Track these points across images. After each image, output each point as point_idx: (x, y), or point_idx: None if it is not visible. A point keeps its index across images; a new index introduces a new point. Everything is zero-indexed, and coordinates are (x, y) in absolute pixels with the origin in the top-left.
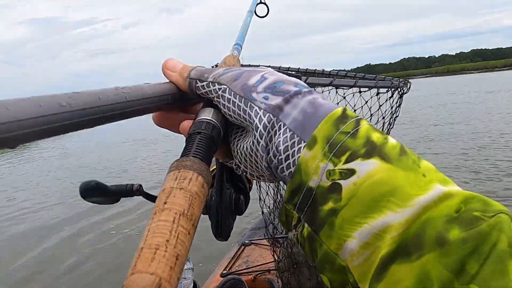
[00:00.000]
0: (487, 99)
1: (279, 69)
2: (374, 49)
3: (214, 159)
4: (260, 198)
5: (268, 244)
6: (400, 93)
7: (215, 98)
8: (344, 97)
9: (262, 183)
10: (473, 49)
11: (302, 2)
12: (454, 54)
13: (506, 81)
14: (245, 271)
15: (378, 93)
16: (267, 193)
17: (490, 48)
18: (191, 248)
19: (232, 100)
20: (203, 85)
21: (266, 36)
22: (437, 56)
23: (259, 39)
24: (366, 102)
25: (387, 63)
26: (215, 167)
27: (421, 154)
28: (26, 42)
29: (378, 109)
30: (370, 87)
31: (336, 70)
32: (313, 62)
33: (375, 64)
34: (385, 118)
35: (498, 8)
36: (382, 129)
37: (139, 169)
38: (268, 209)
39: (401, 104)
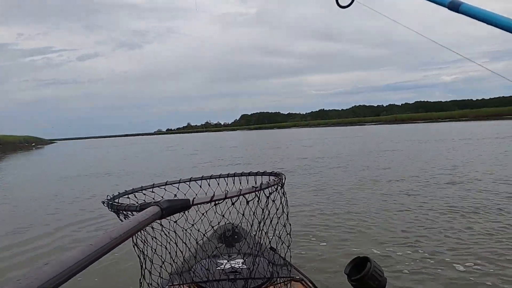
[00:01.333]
0: (419, 148)
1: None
2: (327, 95)
3: None
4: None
5: None
6: (281, 186)
7: None
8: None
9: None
10: (417, 101)
11: (259, 46)
12: (400, 104)
13: (447, 131)
14: None
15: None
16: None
17: (432, 101)
18: None
19: None
20: None
21: (223, 76)
22: (385, 105)
23: (217, 77)
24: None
25: (340, 109)
26: None
27: None
28: None
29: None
30: (252, 192)
31: (292, 113)
32: (271, 105)
33: (329, 110)
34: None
35: (437, 66)
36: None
37: None
38: (189, 253)
39: (285, 192)
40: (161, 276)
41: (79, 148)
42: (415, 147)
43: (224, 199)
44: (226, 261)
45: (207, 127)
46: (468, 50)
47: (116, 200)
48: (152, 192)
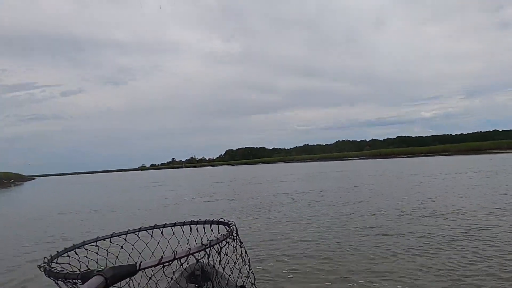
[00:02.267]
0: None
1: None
2: (310, 130)
3: None
4: None
5: None
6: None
7: None
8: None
9: None
10: (399, 136)
11: (243, 83)
12: (382, 139)
13: (433, 166)
14: None
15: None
16: None
17: (413, 136)
18: None
19: None
20: None
21: (208, 112)
22: (367, 140)
23: (202, 113)
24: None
25: (324, 144)
26: None
27: None
28: None
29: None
30: (202, 250)
31: (277, 147)
32: (255, 140)
33: (313, 145)
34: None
35: (417, 102)
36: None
37: None
38: None
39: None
40: None
41: (59, 185)
42: (397, 181)
43: (172, 260)
44: None
45: (191, 163)
46: (445, 87)
47: (55, 260)
48: (96, 246)
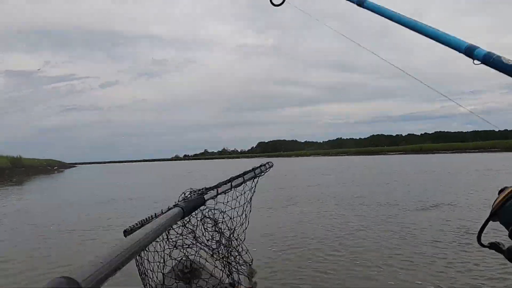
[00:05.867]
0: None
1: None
2: (343, 124)
3: None
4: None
5: None
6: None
7: None
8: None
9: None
10: (437, 131)
11: (275, 76)
12: (419, 134)
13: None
14: None
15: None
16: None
17: (452, 131)
18: None
19: None
20: None
21: (239, 104)
22: (403, 135)
23: (234, 106)
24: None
25: (357, 138)
26: None
27: None
28: None
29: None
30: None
31: (309, 141)
32: (287, 133)
33: (346, 139)
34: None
35: (454, 96)
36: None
37: None
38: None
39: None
40: None
41: (97, 173)
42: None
43: (230, 189)
44: None
45: (223, 154)
46: (485, 83)
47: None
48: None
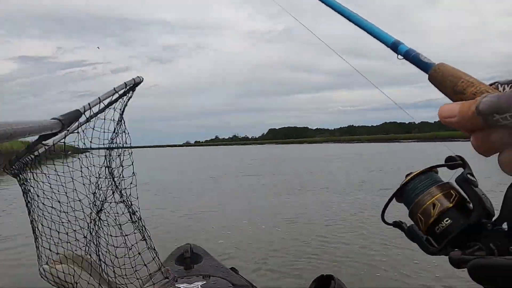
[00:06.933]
0: None
1: None
2: (354, 111)
3: None
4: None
5: None
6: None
7: None
8: None
9: None
10: None
11: (286, 62)
12: (433, 122)
13: None
14: None
15: None
16: None
17: None
18: None
19: None
20: (507, 116)
21: (250, 91)
22: (416, 123)
23: (244, 92)
24: None
25: (369, 125)
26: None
27: None
28: (12, 79)
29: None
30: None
31: (320, 128)
32: (298, 120)
33: (357, 126)
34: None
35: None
36: None
37: None
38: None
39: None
40: None
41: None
42: None
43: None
44: (184, 284)
45: (234, 141)
46: (501, 68)
47: None
48: None
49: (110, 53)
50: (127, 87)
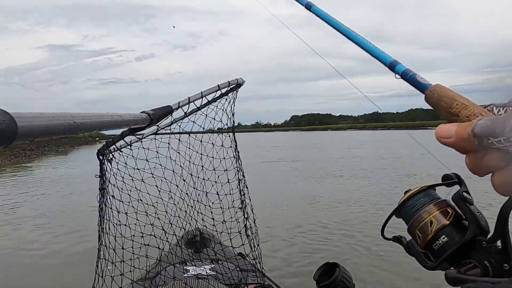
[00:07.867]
0: None
1: None
2: (379, 98)
3: None
4: None
5: None
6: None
7: None
8: None
9: None
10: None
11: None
12: None
13: None
14: None
15: None
16: None
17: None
18: None
19: None
20: (501, 140)
21: (272, 77)
22: None
23: (266, 78)
24: None
25: (395, 112)
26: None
27: None
28: (41, 67)
29: None
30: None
31: (344, 114)
32: (320, 106)
33: (383, 113)
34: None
35: (500, 68)
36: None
37: None
38: (156, 259)
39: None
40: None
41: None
42: None
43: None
44: (193, 267)
45: (256, 127)
46: None
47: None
48: None
49: (134, 40)
50: (230, 86)
